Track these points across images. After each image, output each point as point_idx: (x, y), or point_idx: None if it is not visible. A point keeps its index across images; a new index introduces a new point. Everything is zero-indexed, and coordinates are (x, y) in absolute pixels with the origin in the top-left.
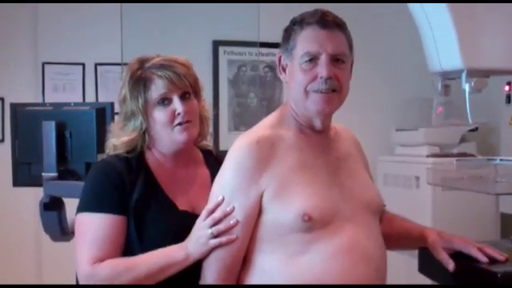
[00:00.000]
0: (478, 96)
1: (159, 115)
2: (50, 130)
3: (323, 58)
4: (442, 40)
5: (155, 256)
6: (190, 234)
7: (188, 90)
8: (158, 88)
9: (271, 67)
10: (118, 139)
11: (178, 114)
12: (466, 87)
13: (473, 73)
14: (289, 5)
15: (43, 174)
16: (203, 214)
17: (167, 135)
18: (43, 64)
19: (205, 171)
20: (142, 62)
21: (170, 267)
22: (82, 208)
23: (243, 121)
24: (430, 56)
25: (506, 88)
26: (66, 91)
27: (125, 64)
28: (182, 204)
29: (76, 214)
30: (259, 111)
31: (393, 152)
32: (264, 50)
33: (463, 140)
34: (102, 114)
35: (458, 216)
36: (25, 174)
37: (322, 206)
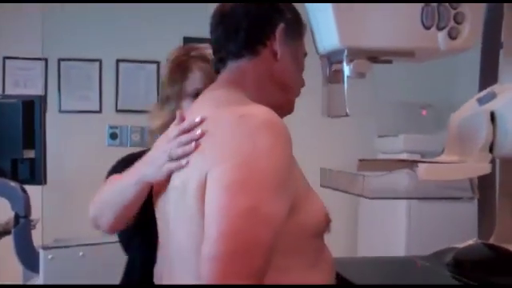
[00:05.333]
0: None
1: (188, 107)
2: None
3: None
4: (322, 18)
5: (120, 179)
6: (150, 152)
7: None
8: (194, 80)
9: None
10: (154, 122)
11: None
12: (346, 70)
13: (354, 53)
14: None
15: None
16: (171, 132)
17: None
18: (4, 58)
19: None
20: (187, 50)
21: (126, 190)
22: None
23: None
24: (315, 38)
25: None
26: (27, 87)
27: (92, 60)
28: None
29: None
30: None
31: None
32: None
33: None
34: (31, 108)
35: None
36: None
37: None
